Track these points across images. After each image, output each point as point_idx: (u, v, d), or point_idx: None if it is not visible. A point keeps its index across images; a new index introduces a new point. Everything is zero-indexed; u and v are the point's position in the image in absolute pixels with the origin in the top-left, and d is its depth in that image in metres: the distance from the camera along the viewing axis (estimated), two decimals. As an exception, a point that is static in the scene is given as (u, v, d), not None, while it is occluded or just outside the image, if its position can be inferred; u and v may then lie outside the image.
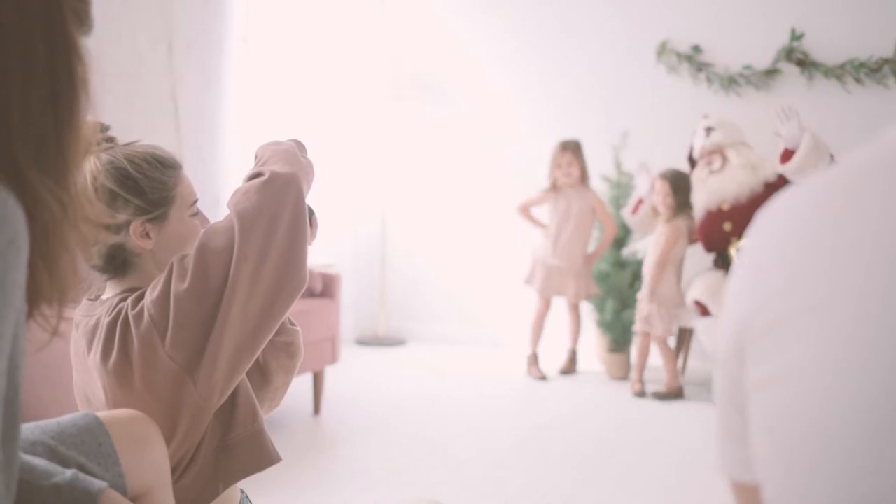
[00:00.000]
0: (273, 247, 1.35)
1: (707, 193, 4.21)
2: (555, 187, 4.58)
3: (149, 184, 1.45)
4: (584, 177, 4.56)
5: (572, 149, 4.53)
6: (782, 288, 0.68)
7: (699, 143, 4.29)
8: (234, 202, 1.39)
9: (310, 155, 1.57)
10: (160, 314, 1.35)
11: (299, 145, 1.54)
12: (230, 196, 1.41)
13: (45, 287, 0.78)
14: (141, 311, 1.37)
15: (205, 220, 1.55)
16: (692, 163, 4.43)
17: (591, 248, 4.67)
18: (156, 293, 1.37)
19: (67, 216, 0.78)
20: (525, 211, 4.73)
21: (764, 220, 0.75)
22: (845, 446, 0.61)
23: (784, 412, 0.66)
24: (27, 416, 1.94)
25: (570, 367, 4.67)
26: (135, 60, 3.71)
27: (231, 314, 1.33)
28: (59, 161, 0.77)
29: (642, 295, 4.29)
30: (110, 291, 1.51)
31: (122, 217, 1.44)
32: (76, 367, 1.54)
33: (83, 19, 0.81)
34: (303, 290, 1.39)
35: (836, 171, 0.70)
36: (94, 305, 1.50)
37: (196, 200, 1.53)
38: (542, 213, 4.72)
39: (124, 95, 3.60)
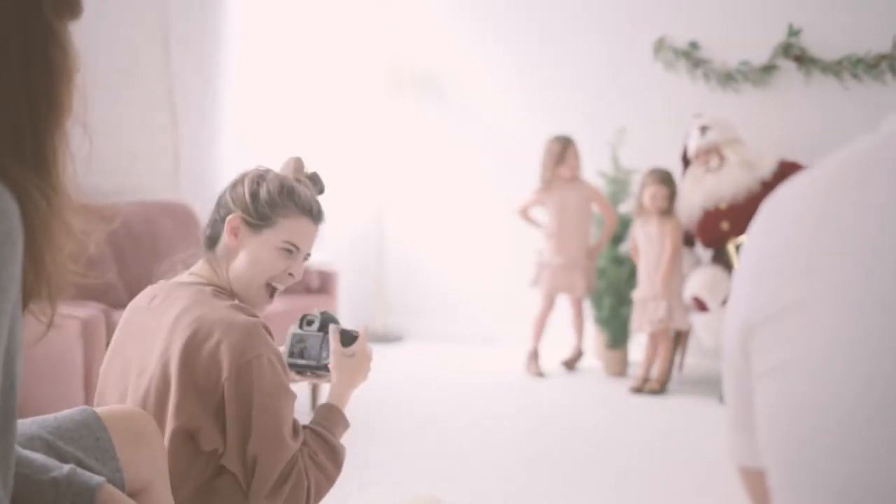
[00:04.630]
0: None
1: (704, 193, 4.20)
2: (548, 186, 4.57)
3: (265, 196, 1.59)
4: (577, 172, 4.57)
5: (573, 144, 4.54)
6: (786, 278, 0.68)
7: (694, 142, 4.28)
8: (313, 466, 1.53)
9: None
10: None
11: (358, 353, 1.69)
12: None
13: (31, 282, 0.76)
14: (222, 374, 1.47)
15: (301, 269, 1.65)
16: (686, 163, 4.42)
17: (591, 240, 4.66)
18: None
19: (52, 209, 0.76)
20: (524, 214, 4.72)
21: (768, 211, 0.74)
22: (850, 435, 0.61)
23: (788, 402, 0.66)
24: (24, 412, 1.93)
25: (572, 364, 4.67)
26: (131, 57, 3.70)
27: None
28: (37, 152, 0.75)
29: (653, 294, 4.23)
30: (192, 277, 1.60)
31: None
32: (116, 349, 1.57)
33: (69, 4, 0.79)
34: None
35: (843, 161, 0.70)
36: (172, 287, 1.58)
37: (297, 246, 1.62)
38: (539, 213, 4.71)
39: (121, 92, 3.59)
